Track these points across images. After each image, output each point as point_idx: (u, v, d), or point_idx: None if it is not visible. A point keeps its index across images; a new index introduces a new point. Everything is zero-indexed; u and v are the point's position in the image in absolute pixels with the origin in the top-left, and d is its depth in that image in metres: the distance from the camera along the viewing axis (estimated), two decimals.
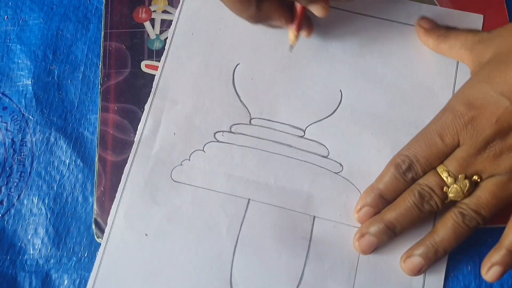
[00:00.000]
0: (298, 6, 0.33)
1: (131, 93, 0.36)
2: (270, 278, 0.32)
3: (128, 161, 0.34)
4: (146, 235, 0.33)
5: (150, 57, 0.37)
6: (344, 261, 0.32)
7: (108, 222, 0.33)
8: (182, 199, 0.33)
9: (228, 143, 0.34)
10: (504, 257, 0.30)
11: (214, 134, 0.35)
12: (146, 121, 0.35)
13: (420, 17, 0.37)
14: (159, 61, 0.36)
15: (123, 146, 0.35)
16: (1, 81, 0.37)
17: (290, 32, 0.34)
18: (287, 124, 0.35)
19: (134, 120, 0.35)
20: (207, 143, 0.34)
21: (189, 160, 0.34)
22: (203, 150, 0.34)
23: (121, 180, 0.34)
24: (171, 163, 0.34)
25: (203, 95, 0.35)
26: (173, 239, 0.33)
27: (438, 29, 0.35)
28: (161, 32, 0.37)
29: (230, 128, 0.35)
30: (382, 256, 0.32)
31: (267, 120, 0.35)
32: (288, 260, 0.32)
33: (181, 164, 0.34)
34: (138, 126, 0.35)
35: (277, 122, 0.35)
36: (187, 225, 0.33)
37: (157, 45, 0.37)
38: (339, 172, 0.34)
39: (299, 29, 0.33)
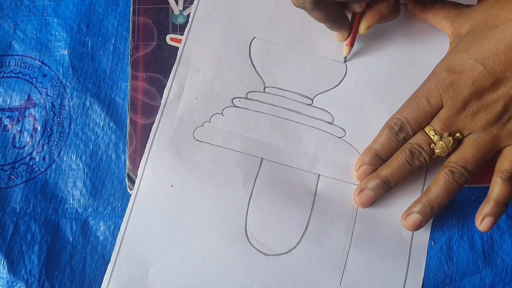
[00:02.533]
0: (355, 23, 0.37)
1: (157, 63, 0.40)
2: (280, 226, 0.37)
3: (155, 122, 0.38)
4: (171, 186, 0.37)
5: (174, 31, 0.41)
6: (345, 213, 0.37)
7: (138, 174, 0.37)
8: (203, 155, 0.38)
9: (244, 108, 0.39)
10: (493, 208, 0.34)
11: (232, 99, 0.39)
12: (171, 86, 0.39)
13: None
14: (183, 35, 0.40)
15: (151, 110, 0.39)
16: (41, 51, 0.41)
17: (344, 46, 0.38)
18: (297, 93, 0.39)
19: (160, 87, 0.39)
20: (225, 108, 0.39)
21: (209, 122, 0.38)
22: (221, 114, 0.39)
23: (149, 137, 0.38)
24: (193, 124, 0.38)
25: (222, 64, 0.39)
26: (195, 190, 0.37)
27: None
28: (184, 8, 0.41)
29: (246, 95, 0.39)
30: (377, 210, 0.37)
31: (279, 88, 0.39)
32: (296, 211, 0.37)
33: (202, 125, 0.38)
34: (164, 91, 0.39)
35: (288, 91, 0.39)
36: (207, 178, 0.37)
37: (180, 20, 0.41)
38: (342, 137, 0.38)
39: (352, 44, 0.38)
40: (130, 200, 0.37)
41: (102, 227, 0.38)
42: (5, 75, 0.40)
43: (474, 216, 0.37)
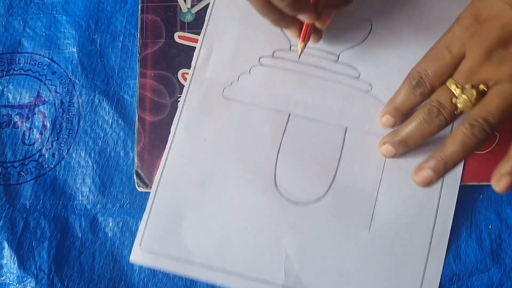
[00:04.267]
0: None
1: (166, 61, 0.40)
2: (307, 178, 0.37)
3: (186, 83, 0.39)
4: (204, 140, 0.38)
5: (182, 29, 0.41)
6: (372, 163, 0.37)
7: (171, 131, 0.38)
8: (232, 113, 0.39)
9: (271, 66, 0.39)
10: None
11: (259, 59, 0.40)
12: (200, 50, 0.40)
13: None
14: (191, 33, 0.40)
15: (159, 107, 0.39)
16: (50, 49, 0.41)
17: (298, 43, 0.38)
18: (323, 50, 0.39)
19: (168, 85, 0.40)
20: (252, 67, 0.39)
21: (237, 81, 0.39)
22: (249, 73, 0.39)
23: (181, 97, 0.39)
24: (222, 84, 0.39)
25: (249, 25, 0.40)
26: (225, 145, 0.38)
27: None
28: (192, 6, 0.41)
29: (273, 54, 0.40)
30: (405, 160, 0.37)
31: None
32: (323, 163, 0.38)
33: (230, 85, 0.39)
34: (194, 55, 0.40)
35: (314, 48, 0.39)
36: (237, 134, 0.38)
37: (188, 18, 0.41)
38: (369, 91, 0.39)
39: (304, 40, 0.37)
40: (163, 155, 0.38)
41: (110, 224, 0.38)
42: (14, 72, 0.41)
43: (482, 214, 0.37)
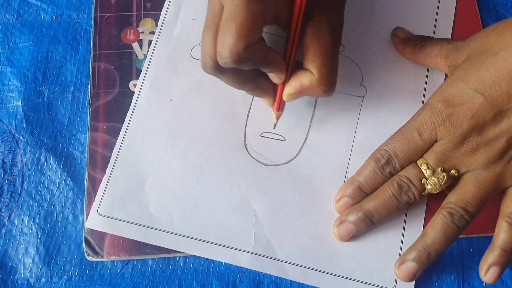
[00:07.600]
0: (278, 89, 0.33)
1: (119, 112, 0.37)
2: (278, 140, 0.36)
3: (152, 41, 0.38)
4: (170, 100, 0.37)
5: (138, 77, 0.38)
6: (345, 123, 0.36)
7: (135, 91, 0.37)
8: (201, 73, 0.35)
9: None
10: (499, 257, 0.30)
11: None
12: (168, 7, 0.39)
13: (396, 28, 0.38)
14: None
15: None
16: None
17: (273, 113, 0.35)
18: None
19: None
20: None
21: None
22: None
23: (147, 55, 0.38)
24: (190, 43, 0.38)
25: None
26: (193, 105, 0.37)
27: (414, 39, 0.36)
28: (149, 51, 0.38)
29: None
30: (378, 120, 0.36)
31: None
32: (295, 123, 0.36)
33: (199, 44, 0.38)
34: (161, 13, 0.39)
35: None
36: (206, 94, 0.37)
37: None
38: (341, 51, 0.37)
39: (278, 110, 0.34)
40: (126, 118, 0.36)
41: None
42: None
43: (474, 270, 0.34)
